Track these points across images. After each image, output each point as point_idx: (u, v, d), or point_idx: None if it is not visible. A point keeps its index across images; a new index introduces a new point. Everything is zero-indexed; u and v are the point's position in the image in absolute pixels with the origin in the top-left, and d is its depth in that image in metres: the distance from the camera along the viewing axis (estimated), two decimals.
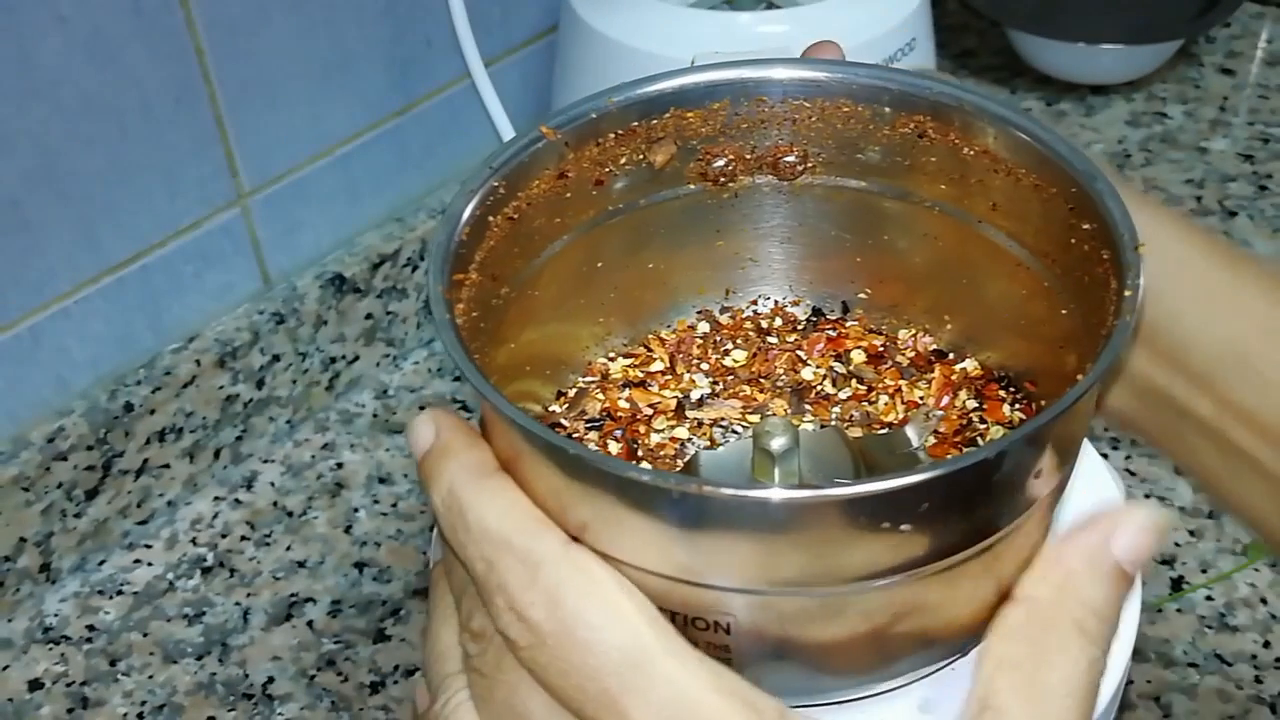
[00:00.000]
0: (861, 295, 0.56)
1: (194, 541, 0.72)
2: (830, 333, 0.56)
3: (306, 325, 0.76)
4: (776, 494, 0.38)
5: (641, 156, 0.52)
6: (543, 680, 0.35)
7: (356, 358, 0.80)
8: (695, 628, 0.41)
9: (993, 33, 1.06)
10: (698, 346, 0.56)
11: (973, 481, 0.39)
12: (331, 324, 0.77)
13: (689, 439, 0.53)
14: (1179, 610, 0.66)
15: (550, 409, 0.54)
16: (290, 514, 0.74)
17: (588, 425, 0.54)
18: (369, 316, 0.79)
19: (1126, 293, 0.42)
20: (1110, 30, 0.96)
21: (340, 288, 0.77)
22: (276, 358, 0.75)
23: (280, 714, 0.64)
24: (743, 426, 0.53)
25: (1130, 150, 0.95)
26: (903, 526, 0.38)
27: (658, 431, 0.53)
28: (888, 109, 0.51)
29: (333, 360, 0.78)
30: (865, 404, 0.54)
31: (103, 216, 0.67)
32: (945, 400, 0.53)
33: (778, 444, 0.44)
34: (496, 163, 0.49)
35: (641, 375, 0.55)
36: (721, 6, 0.81)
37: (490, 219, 0.48)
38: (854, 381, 0.54)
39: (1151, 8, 1.00)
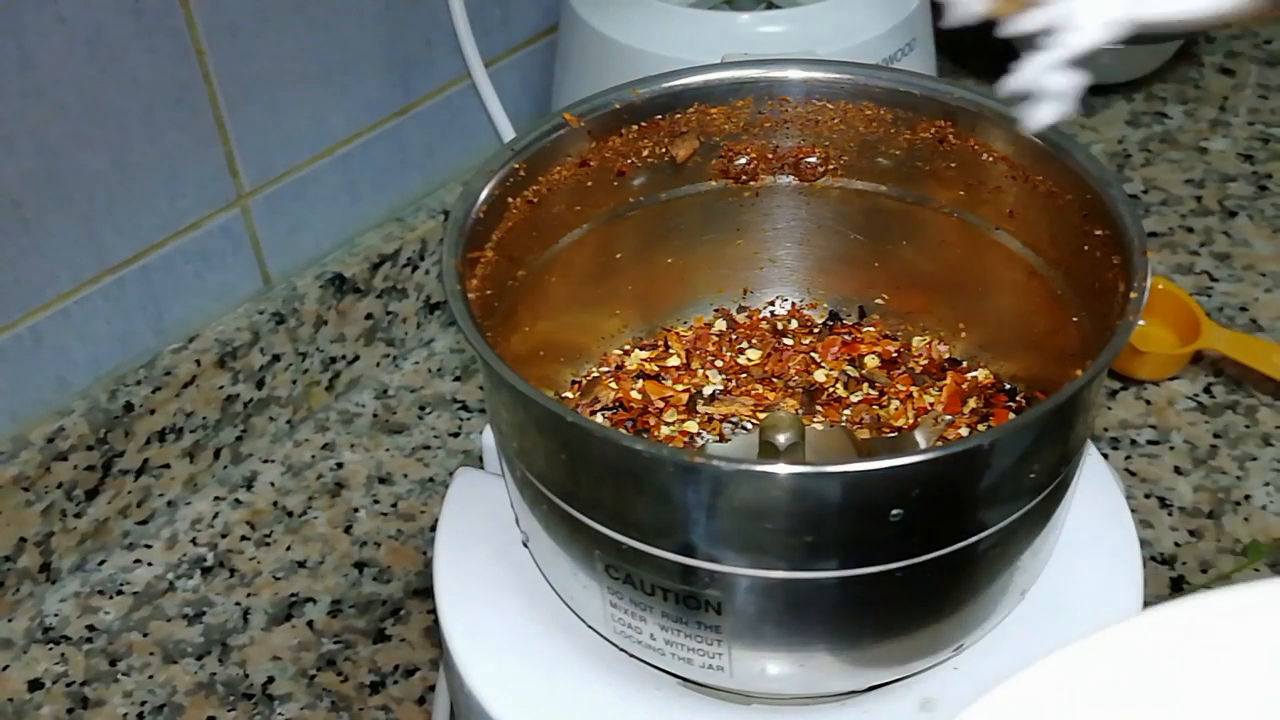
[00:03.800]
0: (879, 301, 0.56)
1: (194, 541, 0.72)
2: (845, 337, 0.56)
3: (306, 325, 0.76)
4: (766, 468, 0.38)
5: (664, 150, 0.52)
6: None
7: (356, 358, 0.80)
8: (687, 607, 0.41)
9: (992, 33, 1.06)
10: (713, 344, 0.56)
11: (964, 470, 0.39)
12: (331, 324, 0.77)
13: (699, 433, 0.53)
14: None
15: (564, 395, 0.55)
16: (290, 514, 0.74)
17: (596, 412, 0.54)
18: (369, 316, 0.79)
19: (1132, 294, 0.42)
20: None
21: (340, 288, 0.77)
22: (276, 358, 0.75)
23: (280, 714, 0.64)
24: (752, 423, 0.53)
25: (1130, 150, 0.95)
26: (893, 512, 0.39)
27: (668, 424, 0.53)
28: (909, 113, 0.51)
29: (333, 360, 0.78)
30: (876, 408, 0.54)
31: (103, 216, 0.67)
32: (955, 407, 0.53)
33: (784, 438, 0.45)
34: (518, 145, 0.49)
35: (657, 369, 0.55)
36: (721, 6, 0.81)
37: (510, 200, 0.49)
38: (866, 385, 0.55)
39: None
